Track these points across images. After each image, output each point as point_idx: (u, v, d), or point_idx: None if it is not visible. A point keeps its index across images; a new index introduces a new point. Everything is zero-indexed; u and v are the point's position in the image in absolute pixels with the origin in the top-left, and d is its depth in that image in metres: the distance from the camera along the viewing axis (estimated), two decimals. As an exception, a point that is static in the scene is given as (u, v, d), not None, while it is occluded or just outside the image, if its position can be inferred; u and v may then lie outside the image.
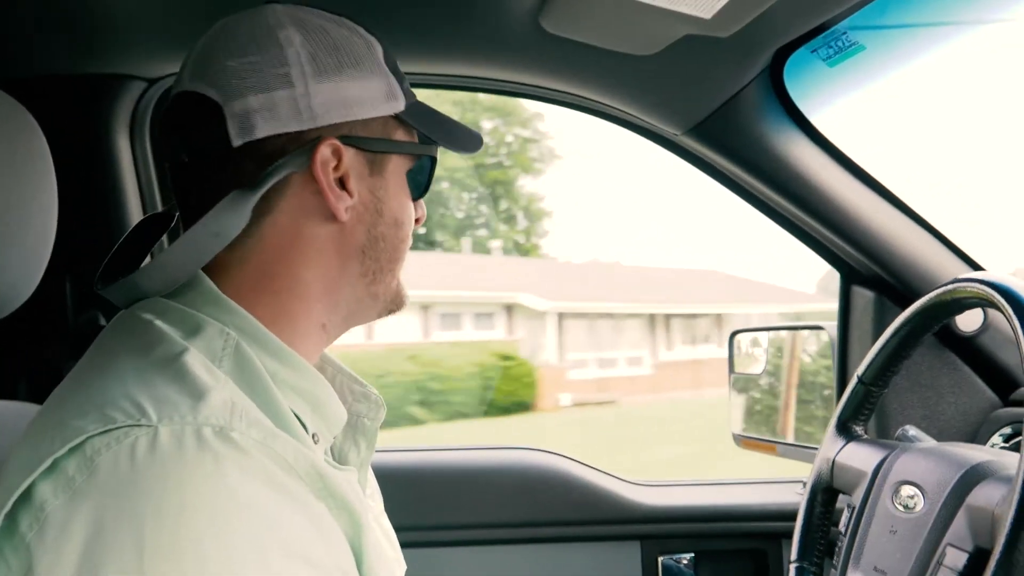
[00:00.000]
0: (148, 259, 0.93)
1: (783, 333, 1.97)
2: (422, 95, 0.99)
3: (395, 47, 0.94)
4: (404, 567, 1.00)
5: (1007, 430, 1.50)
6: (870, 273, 1.59)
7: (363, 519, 0.77)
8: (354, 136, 0.85)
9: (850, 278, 1.65)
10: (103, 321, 1.45)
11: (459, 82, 1.43)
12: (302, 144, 0.82)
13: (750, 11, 1.16)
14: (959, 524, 1.00)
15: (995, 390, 1.56)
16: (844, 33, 1.32)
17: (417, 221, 0.95)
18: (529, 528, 1.68)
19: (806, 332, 1.88)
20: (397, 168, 0.89)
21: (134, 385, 0.71)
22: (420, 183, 0.93)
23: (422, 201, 0.96)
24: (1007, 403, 1.55)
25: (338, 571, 0.72)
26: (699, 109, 1.44)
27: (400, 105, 0.88)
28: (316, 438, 0.84)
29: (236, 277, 0.84)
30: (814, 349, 1.85)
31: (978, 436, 1.54)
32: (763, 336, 1.98)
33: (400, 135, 0.89)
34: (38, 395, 0.78)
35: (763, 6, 1.15)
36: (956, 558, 0.98)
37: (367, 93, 0.85)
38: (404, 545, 1.02)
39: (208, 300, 0.81)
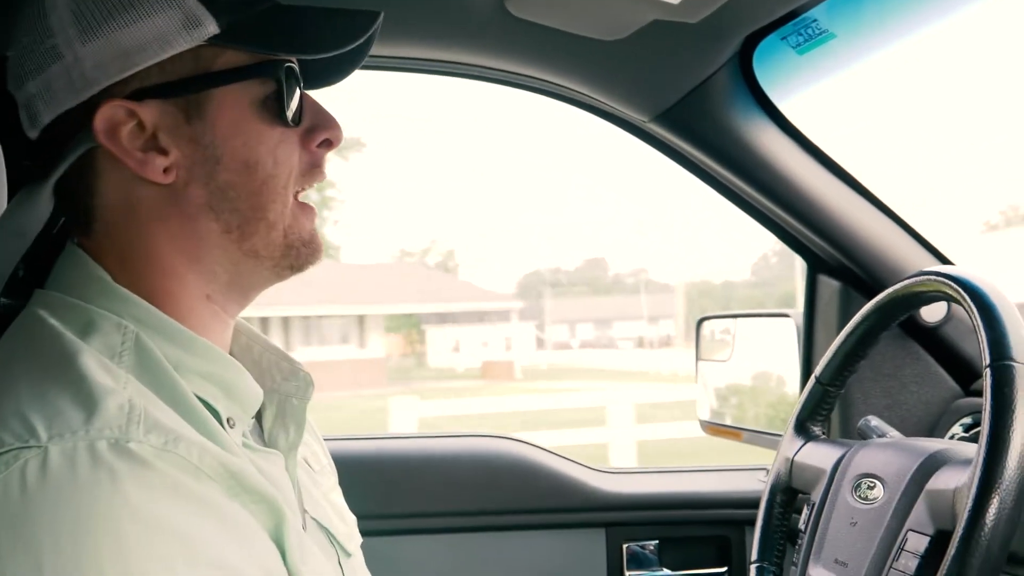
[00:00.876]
0: None
1: (750, 320, 1.96)
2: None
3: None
4: (359, 539, 0.98)
5: (967, 420, 1.51)
6: (836, 263, 1.58)
7: (281, 507, 0.72)
8: (150, 86, 0.75)
9: (816, 267, 1.65)
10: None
11: (421, 66, 1.40)
12: (90, 116, 0.75)
13: (718, -3, 1.14)
14: (919, 510, 1.00)
15: (957, 380, 1.56)
16: (814, 21, 1.31)
17: (327, 144, 0.84)
18: (493, 516, 1.68)
19: (772, 320, 1.88)
20: (232, 101, 0.77)
21: (26, 398, 0.66)
22: (280, 107, 0.78)
23: (328, 120, 0.83)
24: (968, 393, 1.56)
25: (258, 569, 0.68)
26: (667, 95, 1.43)
27: (209, 29, 0.75)
28: (231, 422, 0.79)
29: (105, 264, 0.78)
30: (780, 337, 1.85)
31: (939, 426, 1.55)
32: (730, 323, 1.98)
33: (229, 60, 0.77)
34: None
35: (731, -8, 1.13)
36: (918, 542, 0.98)
37: (151, 33, 0.74)
38: (366, 533, 1.01)
39: (99, 290, 0.77)
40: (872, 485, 1.09)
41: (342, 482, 1.04)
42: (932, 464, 1.03)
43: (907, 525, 1.02)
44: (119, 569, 0.60)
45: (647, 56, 1.35)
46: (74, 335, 0.72)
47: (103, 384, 0.68)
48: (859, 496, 1.10)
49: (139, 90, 0.76)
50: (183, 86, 0.76)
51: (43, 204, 0.78)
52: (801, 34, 1.34)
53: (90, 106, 0.75)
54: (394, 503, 1.66)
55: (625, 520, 1.69)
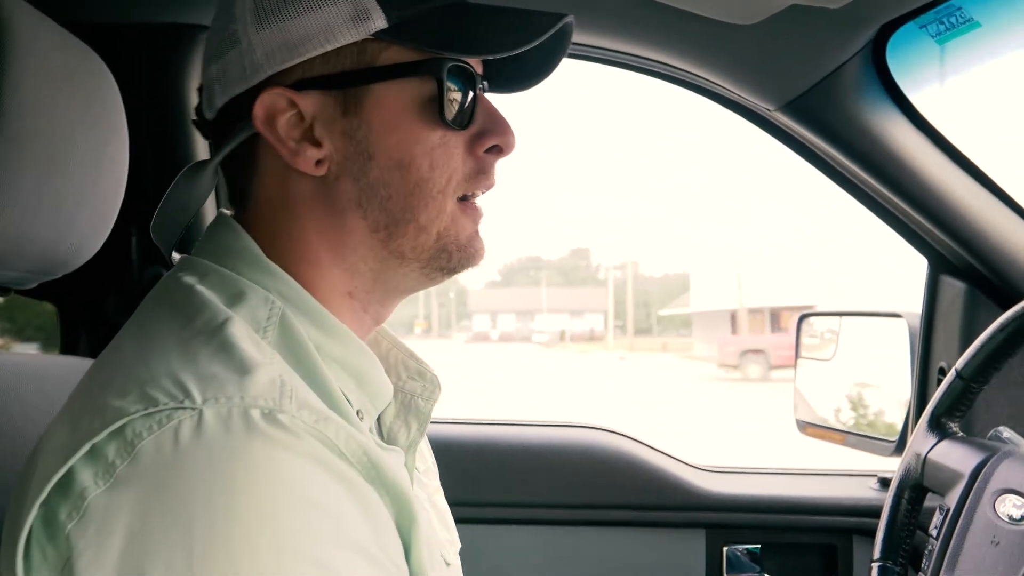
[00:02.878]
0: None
1: (856, 319, 1.90)
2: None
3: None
4: (458, 546, 0.96)
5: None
6: (962, 263, 1.52)
7: (412, 506, 0.71)
8: (312, 77, 0.75)
9: (938, 267, 1.58)
10: (168, 277, 1.42)
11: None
12: (253, 102, 0.75)
13: (868, -19, 1.09)
14: None
15: (1085, 388, 1.49)
16: (958, 8, 1.24)
17: (498, 151, 0.80)
18: (591, 510, 1.64)
19: (882, 320, 1.81)
20: (391, 99, 0.75)
21: (177, 361, 0.66)
22: (441, 108, 0.75)
23: (500, 126, 0.80)
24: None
25: (388, 560, 0.66)
26: (796, 84, 1.37)
27: (378, 23, 0.74)
28: (360, 414, 0.78)
29: (257, 240, 0.78)
30: (889, 338, 1.78)
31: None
32: (834, 321, 1.92)
33: (393, 56, 0.75)
34: (98, 351, 0.74)
35: (882, -24, 1.07)
36: None
37: (319, 23, 0.74)
38: (460, 521, 0.98)
39: (250, 262, 0.76)
40: (1019, 504, 1.03)
41: (439, 465, 1.02)
42: None
43: None
44: (268, 535, 0.59)
45: (779, 43, 1.30)
46: (223, 303, 0.72)
47: (254, 356, 0.67)
48: (1003, 513, 1.04)
49: (301, 80, 0.75)
50: (344, 79, 0.75)
51: (206, 182, 0.79)
52: (943, 22, 1.27)
53: (255, 93, 0.75)
54: (490, 491, 1.64)
55: (726, 522, 1.65)
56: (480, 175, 0.80)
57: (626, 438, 1.69)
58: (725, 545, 1.65)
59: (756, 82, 1.40)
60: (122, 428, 0.61)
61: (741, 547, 1.65)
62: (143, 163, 1.43)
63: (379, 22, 0.74)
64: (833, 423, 1.85)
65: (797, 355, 1.94)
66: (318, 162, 0.76)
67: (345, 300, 0.80)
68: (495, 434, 1.69)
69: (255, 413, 0.62)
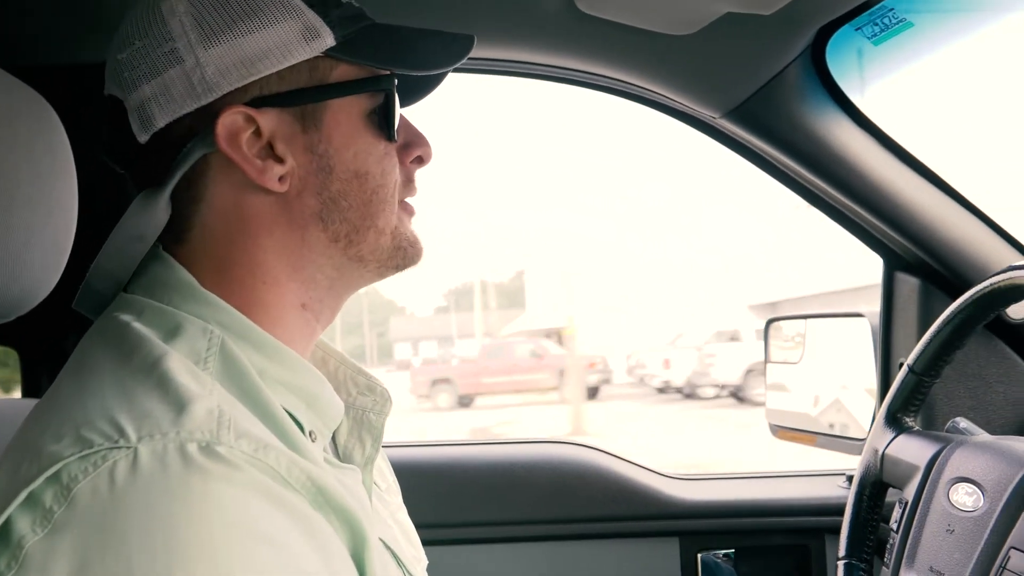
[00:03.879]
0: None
1: (821, 321, 1.92)
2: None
3: (424, 27, 0.88)
4: (425, 563, 0.96)
5: (1059, 420, 1.45)
6: (915, 259, 1.53)
7: (363, 527, 0.70)
8: (269, 95, 0.76)
9: (893, 264, 1.60)
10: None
11: (488, 66, 1.38)
12: (208, 121, 0.75)
13: (795, -13, 1.11)
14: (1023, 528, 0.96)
15: (1046, 379, 1.50)
16: (891, 9, 1.27)
17: (419, 160, 0.85)
18: (563, 524, 1.64)
19: (845, 320, 1.83)
20: (345, 113, 0.79)
21: (113, 400, 0.65)
22: (388, 121, 0.80)
23: (420, 138, 0.85)
24: (1059, 393, 1.50)
25: None
26: (738, 91, 1.39)
27: (327, 41, 0.77)
28: (313, 435, 0.78)
29: (196, 271, 0.77)
30: (853, 337, 1.80)
31: (1028, 425, 1.49)
32: (800, 324, 1.93)
33: (343, 73, 0.79)
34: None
35: (809, -19, 1.10)
36: (1022, 563, 0.93)
37: (273, 41, 0.75)
38: (434, 542, 0.99)
39: (186, 295, 0.76)
40: (971, 492, 1.04)
41: (407, 489, 1.02)
42: None
43: (1010, 542, 0.97)
44: (212, 571, 0.58)
45: (718, 51, 1.32)
46: (159, 339, 0.71)
47: (191, 389, 0.66)
48: (956, 502, 1.06)
49: (257, 98, 0.76)
50: (302, 95, 0.77)
51: (162, 210, 0.77)
52: (877, 24, 1.29)
53: (208, 112, 0.75)
54: (460, 511, 1.64)
55: (699, 528, 1.65)
56: (408, 183, 0.85)
57: (595, 450, 1.70)
58: (699, 551, 1.65)
59: (699, 91, 1.41)
60: (58, 473, 0.60)
61: (715, 552, 1.65)
62: (95, 202, 1.44)
63: (328, 40, 0.77)
64: (804, 425, 1.87)
65: (767, 359, 1.95)
66: (281, 178, 0.77)
67: (299, 313, 0.81)
68: (463, 454, 1.70)
69: (192, 447, 0.62)
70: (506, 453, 1.69)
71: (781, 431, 1.90)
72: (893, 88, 1.50)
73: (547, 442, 1.73)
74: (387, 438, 0.92)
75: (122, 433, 0.62)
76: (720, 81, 1.39)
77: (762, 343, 1.97)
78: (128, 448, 0.61)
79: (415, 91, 0.90)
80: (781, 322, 1.98)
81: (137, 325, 0.72)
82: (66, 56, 1.36)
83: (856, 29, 1.31)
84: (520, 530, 1.64)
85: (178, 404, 0.64)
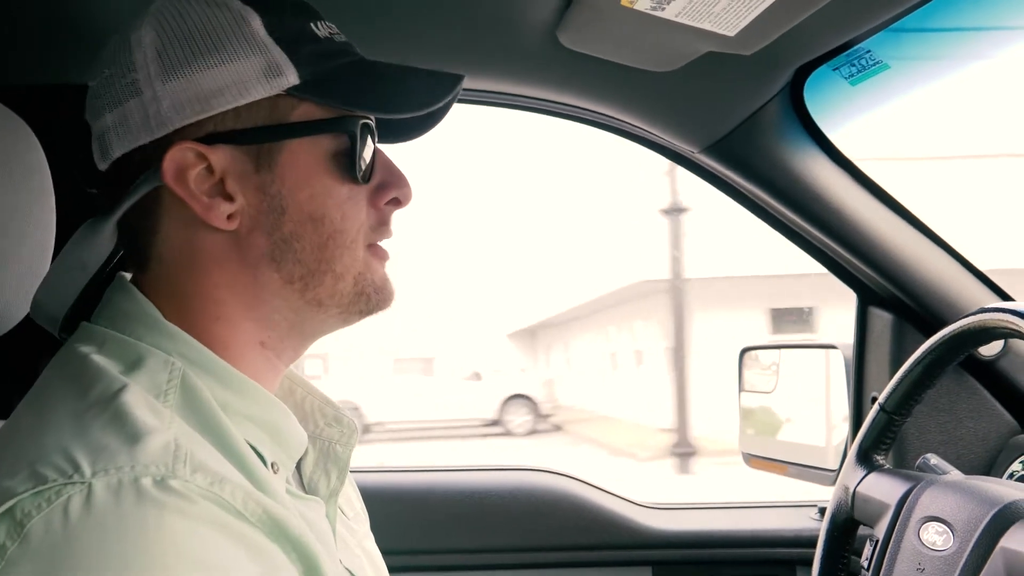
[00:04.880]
0: None
1: (794, 351, 1.93)
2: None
3: (409, 60, 0.87)
4: None
5: (1028, 457, 1.47)
6: (888, 295, 1.55)
7: (318, 561, 0.70)
8: (223, 131, 0.75)
9: (867, 299, 1.62)
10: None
11: (474, 96, 1.39)
12: (160, 155, 0.74)
13: (775, 29, 1.13)
14: (994, 567, 0.97)
15: (1015, 416, 1.52)
16: (868, 52, 1.29)
17: (396, 203, 0.83)
18: (535, 553, 1.65)
19: (818, 351, 1.85)
20: (305, 154, 0.77)
21: (68, 434, 0.65)
22: (352, 163, 0.78)
23: (398, 179, 0.82)
24: (1027, 429, 1.52)
25: None
26: (718, 127, 1.41)
27: (290, 79, 0.75)
28: (275, 467, 0.77)
29: (158, 301, 0.77)
30: (826, 369, 1.82)
31: (997, 462, 1.51)
32: (774, 353, 1.95)
33: (305, 113, 0.77)
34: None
35: (788, 24, 1.11)
36: None
37: (231, 78, 0.74)
38: (405, 569, 0.98)
39: (149, 326, 0.75)
40: (941, 531, 1.06)
41: (376, 516, 1.02)
42: (1007, 517, 0.99)
43: None
44: None
45: (698, 88, 1.34)
46: (119, 371, 0.71)
47: (148, 422, 0.66)
48: (927, 541, 1.07)
49: (212, 134, 0.75)
50: (256, 134, 0.76)
51: (106, 239, 0.77)
52: (854, 65, 1.32)
53: (162, 145, 0.75)
54: (431, 538, 1.64)
55: (672, 559, 1.66)
56: (381, 226, 0.83)
57: (569, 478, 1.70)
58: None
59: (679, 126, 1.43)
60: (11, 508, 0.60)
61: (687, 583, 1.66)
62: (72, 223, 1.42)
63: (292, 78, 0.75)
64: (776, 454, 1.88)
65: (740, 388, 1.97)
66: (229, 216, 0.76)
67: (258, 351, 0.80)
68: (437, 480, 1.70)
69: (146, 481, 0.62)
70: (480, 480, 1.69)
71: (753, 460, 1.91)
72: (872, 126, 1.52)
73: (522, 469, 1.73)
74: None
75: (77, 468, 0.62)
76: (700, 117, 1.41)
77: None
78: (82, 483, 0.61)
79: (410, 128, 0.88)
80: (755, 351, 2.00)
81: (96, 357, 0.72)
82: (46, 77, 1.36)
83: (834, 69, 1.34)
84: (492, 558, 1.64)
85: (134, 438, 0.64)
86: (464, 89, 1.35)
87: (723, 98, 1.36)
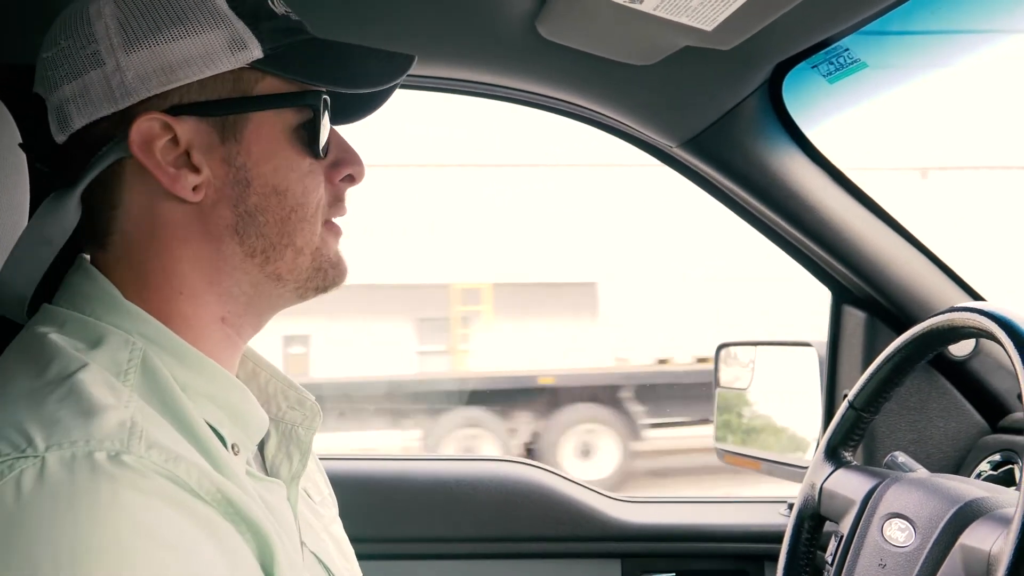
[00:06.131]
0: None
1: (771, 348, 1.94)
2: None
3: (386, 47, 0.87)
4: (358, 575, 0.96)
5: (996, 457, 1.48)
6: (862, 294, 1.56)
7: (272, 541, 0.70)
8: (189, 103, 0.75)
9: (841, 297, 1.63)
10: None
11: (451, 85, 1.39)
12: (124, 126, 0.74)
13: (753, 25, 1.13)
14: (952, 563, 0.98)
15: (985, 416, 1.54)
16: (846, 50, 1.30)
17: (350, 179, 0.84)
18: (504, 543, 1.65)
19: (794, 348, 1.85)
20: (268, 127, 0.78)
21: (24, 410, 0.65)
22: (313, 138, 0.79)
23: (352, 156, 0.84)
24: (996, 429, 1.53)
25: None
26: (696, 122, 1.41)
27: (254, 53, 0.76)
28: (236, 448, 0.77)
29: (117, 278, 0.77)
30: (801, 366, 1.83)
31: (966, 462, 1.52)
32: (750, 350, 1.96)
33: (269, 87, 0.78)
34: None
35: (766, 20, 1.12)
36: None
37: (197, 50, 0.74)
38: (373, 557, 0.98)
39: (109, 306, 0.75)
40: (903, 527, 1.06)
41: (347, 504, 1.02)
42: (967, 515, 1.00)
43: None
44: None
45: (677, 82, 1.34)
46: (78, 351, 0.71)
47: (104, 400, 0.66)
48: (889, 537, 1.08)
49: (177, 106, 0.75)
50: (222, 106, 0.76)
51: (71, 213, 0.76)
52: (832, 63, 1.32)
53: (126, 116, 0.74)
54: (401, 526, 1.63)
55: (641, 551, 1.66)
56: (337, 203, 0.84)
57: (541, 469, 1.70)
58: (641, 574, 1.66)
59: (657, 120, 1.43)
60: None
61: (656, 575, 1.67)
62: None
63: (255, 52, 0.76)
64: (750, 451, 1.89)
65: (716, 384, 1.97)
66: (195, 188, 0.76)
67: (218, 327, 0.80)
68: (408, 469, 1.69)
69: (100, 456, 0.62)
70: (451, 469, 1.69)
71: (728, 455, 1.92)
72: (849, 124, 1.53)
73: (494, 460, 1.73)
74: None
75: (30, 442, 0.62)
76: (678, 112, 1.41)
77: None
78: (36, 457, 0.61)
79: (357, 109, 0.89)
80: (732, 347, 2.00)
81: (55, 337, 0.72)
82: (19, 55, 1.35)
83: (812, 67, 1.34)
84: (461, 547, 1.64)
85: (89, 414, 0.64)
86: (443, 79, 1.36)
87: (702, 93, 1.36)
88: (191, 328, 0.77)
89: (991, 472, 1.46)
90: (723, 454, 1.93)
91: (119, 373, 0.70)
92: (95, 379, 0.68)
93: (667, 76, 1.31)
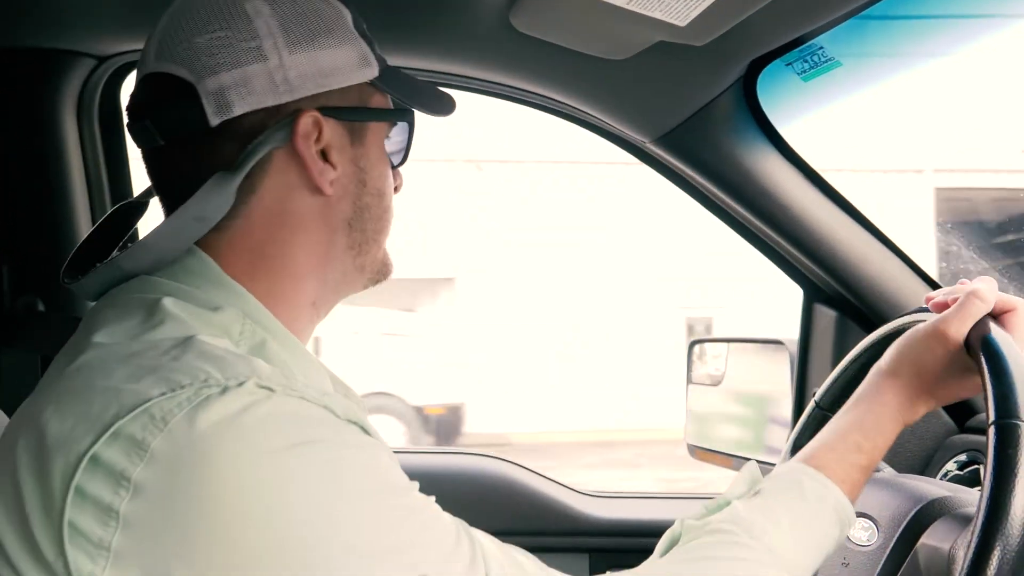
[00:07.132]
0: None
1: (743, 345, 1.95)
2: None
3: None
4: None
5: (962, 457, 1.49)
6: (833, 292, 1.57)
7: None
8: (332, 107, 0.83)
9: (813, 296, 1.63)
10: (41, 306, 1.39)
11: (425, 76, 1.38)
12: (281, 118, 0.81)
13: (726, 21, 1.13)
14: (913, 563, 0.98)
15: (952, 416, 1.54)
16: (820, 48, 1.30)
17: (396, 190, 0.93)
18: None
19: (766, 346, 1.86)
20: (376, 137, 0.88)
21: (183, 354, 0.70)
22: (400, 150, 0.91)
23: (399, 169, 0.94)
24: (963, 429, 1.53)
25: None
26: (670, 118, 1.41)
27: (374, 71, 0.86)
28: None
29: (229, 259, 0.81)
30: (773, 364, 1.83)
31: (933, 462, 1.53)
32: (722, 347, 1.96)
33: (376, 102, 0.87)
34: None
35: (739, 16, 1.12)
36: None
37: (341, 61, 0.83)
38: None
39: (214, 281, 0.80)
40: (866, 527, 1.07)
41: None
42: (929, 514, 1.01)
43: None
44: (320, 499, 0.66)
45: (650, 77, 1.34)
46: (191, 317, 0.75)
47: (242, 355, 0.72)
48: (852, 536, 1.08)
49: (323, 107, 0.82)
50: (355, 113, 0.85)
51: (230, 194, 0.80)
52: (807, 61, 1.32)
53: (280, 110, 0.81)
54: None
55: (609, 546, 1.66)
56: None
57: (509, 463, 1.70)
58: (608, 569, 1.65)
59: (631, 115, 1.43)
60: (148, 408, 0.65)
61: (624, 571, 1.66)
62: (17, 193, 1.40)
63: (374, 71, 0.86)
64: (721, 447, 1.89)
65: (688, 380, 1.98)
66: (331, 182, 0.83)
67: (308, 310, 0.86)
68: None
69: (276, 386, 0.68)
70: (418, 462, 1.69)
71: (699, 452, 1.92)
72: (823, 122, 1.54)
73: (462, 453, 1.73)
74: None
75: (208, 375, 0.67)
76: (652, 107, 1.41)
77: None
78: (219, 387, 0.66)
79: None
80: (703, 344, 2.01)
81: (170, 305, 0.76)
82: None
83: (787, 64, 1.34)
84: None
85: (247, 360, 0.70)
86: (415, 70, 1.36)
87: (675, 89, 1.36)
88: (288, 310, 0.83)
89: (957, 472, 1.47)
90: (694, 450, 1.93)
91: (235, 343, 0.76)
92: (215, 341, 0.72)
93: (641, 71, 1.31)
